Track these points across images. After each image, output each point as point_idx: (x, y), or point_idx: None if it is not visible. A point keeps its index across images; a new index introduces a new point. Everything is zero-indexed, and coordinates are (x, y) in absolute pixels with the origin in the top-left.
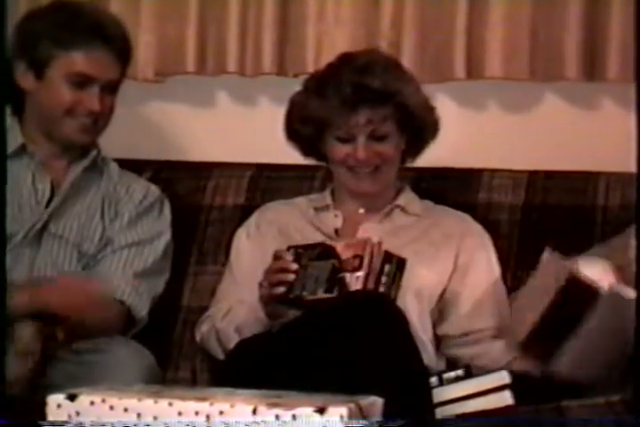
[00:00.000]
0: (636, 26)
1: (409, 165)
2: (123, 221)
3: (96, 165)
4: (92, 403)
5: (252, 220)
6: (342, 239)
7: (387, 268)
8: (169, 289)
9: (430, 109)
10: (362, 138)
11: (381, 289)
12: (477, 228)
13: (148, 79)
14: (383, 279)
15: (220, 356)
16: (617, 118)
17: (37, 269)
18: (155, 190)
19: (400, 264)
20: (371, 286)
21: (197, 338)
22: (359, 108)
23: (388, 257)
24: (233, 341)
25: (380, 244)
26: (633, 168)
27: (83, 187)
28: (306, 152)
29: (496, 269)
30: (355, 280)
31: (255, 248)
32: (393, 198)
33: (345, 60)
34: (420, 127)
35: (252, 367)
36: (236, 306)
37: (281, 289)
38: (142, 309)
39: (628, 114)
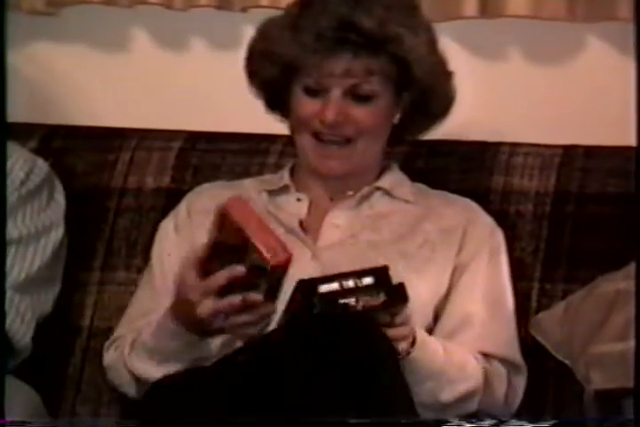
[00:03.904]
0: None
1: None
2: None
3: None
4: None
5: (182, 207)
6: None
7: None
8: (64, 304)
9: (444, 74)
10: (336, 92)
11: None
12: (487, 220)
13: (36, 10)
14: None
15: (133, 393)
16: None
17: None
18: (42, 166)
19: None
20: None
21: (108, 375)
22: (338, 51)
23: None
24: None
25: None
26: None
27: None
28: (270, 104)
29: (505, 278)
30: None
31: (184, 245)
32: (374, 180)
33: None
34: (424, 94)
35: (172, 411)
36: (146, 330)
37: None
38: (25, 334)
39: None
